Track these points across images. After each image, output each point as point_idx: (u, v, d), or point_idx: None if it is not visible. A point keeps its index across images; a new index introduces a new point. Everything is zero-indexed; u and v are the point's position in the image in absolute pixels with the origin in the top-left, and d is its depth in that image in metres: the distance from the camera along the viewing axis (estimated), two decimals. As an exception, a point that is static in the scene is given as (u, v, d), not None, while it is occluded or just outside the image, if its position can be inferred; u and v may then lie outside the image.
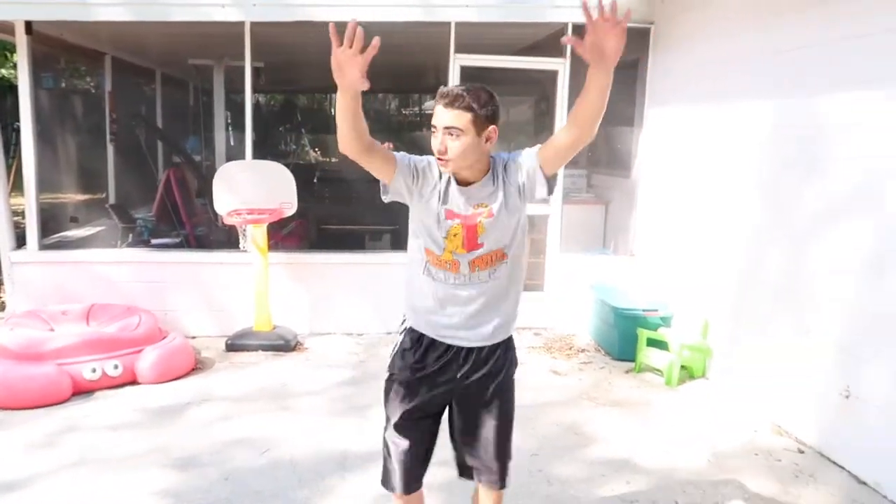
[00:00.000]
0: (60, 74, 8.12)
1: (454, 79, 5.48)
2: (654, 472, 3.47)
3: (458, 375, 2.27)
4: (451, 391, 2.30)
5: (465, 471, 2.46)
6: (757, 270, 4.26)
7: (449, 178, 2.19)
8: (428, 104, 12.68)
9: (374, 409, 3.98)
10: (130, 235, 6.36)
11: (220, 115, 7.40)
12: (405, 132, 13.64)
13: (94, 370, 4.26)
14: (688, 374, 4.77)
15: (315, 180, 9.61)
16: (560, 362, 5.07)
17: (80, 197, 7.64)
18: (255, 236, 5.07)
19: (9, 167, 5.39)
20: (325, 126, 14.38)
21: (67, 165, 7.16)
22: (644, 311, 5.05)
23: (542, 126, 6.80)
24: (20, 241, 5.34)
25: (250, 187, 5.12)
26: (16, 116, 5.26)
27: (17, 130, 5.35)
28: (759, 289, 4.23)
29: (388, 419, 2.36)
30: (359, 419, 3.96)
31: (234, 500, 3.11)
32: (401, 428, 2.32)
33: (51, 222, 5.93)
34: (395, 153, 2.18)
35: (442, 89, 2.11)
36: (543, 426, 3.97)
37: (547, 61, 5.64)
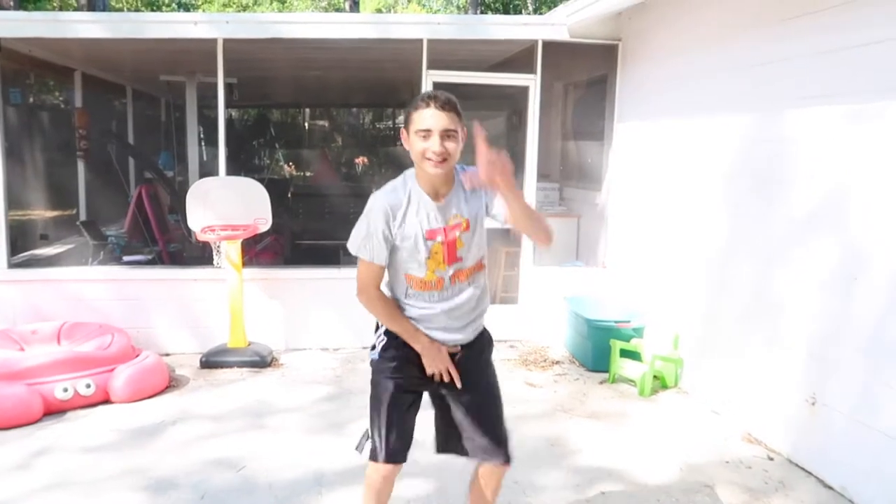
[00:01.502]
0: (29, 90, 8.02)
1: (427, 95, 5.52)
2: (627, 482, 3.52)
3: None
4: (435, 380, 2.41)
5: (446, 447, 2.55)
6: (726, 282, 4.36)
7: (418, 198, 2.25)
8: (402, 118, 12.76)
9: (351, 425, 3.99)
10: (102, 252, 6.30)
11: (192, 131, 7.36)
12: (379, 146, 13.67)
13: (65, 390, 4.21)
14: (660, 383, 4.85)
15: (289, 195, 9.60)
16: (535, 374, 5.12)
17: (50, 214, 7.54)
18: (229, 252, 5.06)
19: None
20: (298, 141, 14.37)
21: (36, 182, 7.08)
22: (617, 322, 5.13)
23: (514, 140, 6.88)
24: (-10, 260, 5.27)
25: (224, 203, 5.10)
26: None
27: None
28: (729, 300, 4.33)
29: (375, 406, 2.43)
30: (336, 436, 3.96)
31: (210, 520, 3.09)
32: (392, 404, 2.40)
33: (20, 240, 5.85)
34: (376, 262, 2.29)
35: (426, 94, 2.18)
36: (519, 438, 3.97)
37: (518, 77, 5.73)
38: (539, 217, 2.26)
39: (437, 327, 2.37)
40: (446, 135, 2.14)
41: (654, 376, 4.79)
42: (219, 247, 5.14)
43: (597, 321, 5.15)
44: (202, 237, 5.10)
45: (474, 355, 2.46)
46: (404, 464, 2.48)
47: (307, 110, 15.21)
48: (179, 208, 6.78)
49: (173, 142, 9.17)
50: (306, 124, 15.52)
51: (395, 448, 2.41)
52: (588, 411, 4.45)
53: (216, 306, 5.28)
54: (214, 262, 5.22)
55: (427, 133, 2.14)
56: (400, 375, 2.40)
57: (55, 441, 3.86)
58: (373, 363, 2.47)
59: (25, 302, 5.17)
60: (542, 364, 5.33)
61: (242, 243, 5.17)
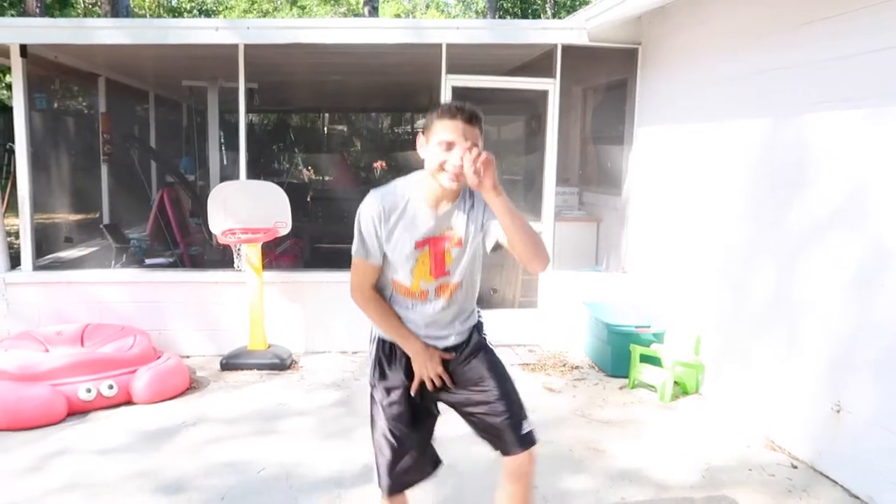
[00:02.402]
0: (54, 96, 8.15)
1: (446, 99, 5.54)
2: (648, 487, 3.49)
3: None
4: (436, 388, 2.35)
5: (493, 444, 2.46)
6: (746, 287, 4.31)
7: (416, 205, 2.20)
8: (421, 122, 12.77)
9: (369, 427, 3.99)
10: (124, 255, 6.37)
11: (214, 136, 7.44)
12: (397, 150, 13.71)
13: (88, 390, 4.26)
14: (681, 389, 4.80)
15: (308, 199, 9.65)
16: (554, 379, 5.09)
17: (74, 217, 7.64)
18: (249, 256, 5.09)
19: (2, 188, 5.39)
20: (317, 145, 14.46)
21: (61, 186, 7.18)
22: (637, 327, 5.09)
23: (533, 145, 6.88)
24: (14, 262, 5.35)
25: (244, 207, 5.14)
26: (9, 137, 5.28)
27: (11, 151, 5.36)
28: (749, 305, 4.28)
29: (374, 430, 2.41)
30: (355, 440, 3.96)
31: (229, 521, 3.11)
32: (391, 431, 2.36)
33: (45, 243, 5.94)
34: (371, 261, 2.25)
35: (453, 104, 2.11)
36: (539, 443, 3.98)
37: (537, 81, 5.72)
38: (534, 234, 2.12)
39: (422, 334, 2.34)
40: (469, 150, 2.06)
41: (675, 382, 4.74)
42: (239, 250, 5.18)
43: (617, 326, 5.11)
44: (223, 240, 5.14)
45: (466, 356, 2.40)
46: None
47: (326, 115, 15.31)
48: (200, 212, 6.84)
49: (194, 146, 9.26)
50: (325, 129, 15.62)
51: (396, 479, 2.37)
52: (607, 417, 4.42)
53: (236, 309, 5.32)
54: (235, 265, 5.25)
55: (450, 145, 2.07)
56: (395, 402, 2.35)
57: (75, 442, 3.90)
58: (371, 394, 2.43)
59: (49, 304, 5.24)
60: (561, 369, 5.30)
61: (262, 247, 5.21)
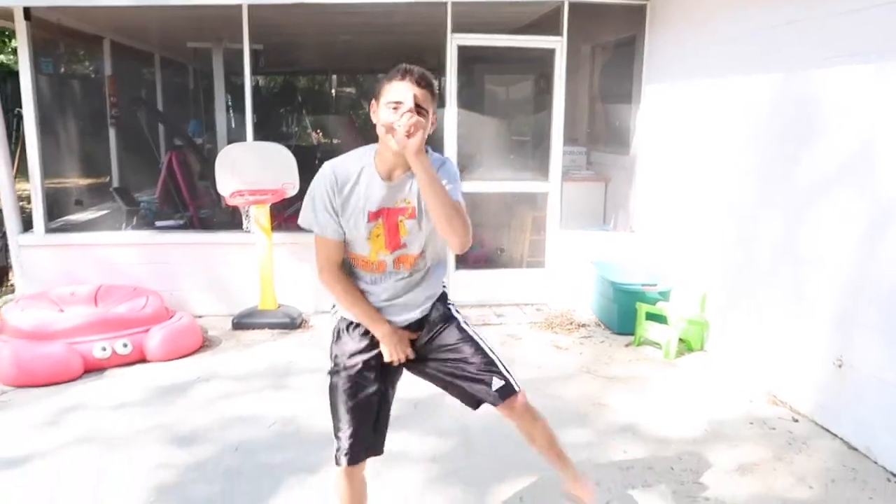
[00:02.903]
0: (60, 59, 8.13)
1: (452, 58, 5.50)
2: (650, 441, 3.56)
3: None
4: (399, 364, 2.35)
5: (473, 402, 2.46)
6: (752, 243, 4.32)
7: (370, 175, 2.14)
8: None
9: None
10: (135, 218, 6.43)
11: (220, 98, 7.43)
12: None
13: (104, 349, 4.35)
14: (686, 347, 4.85)
15: (317, 161, 9.65)
16: (561, 337, 5.15)
17: (84, 181, 7.69)
18: (258, 217, 5.13)
19: (12, 153, 5.43)
20: (325, 107, 14.37)
21: (70, 150, 7.21)
22: (643, 285, 5.13)
23: (541, 104, 6.82)
24: (27, 226, 5.42)
25: (252, 168, 5.17)
26: (17, 102, 5.30)
27: (20, 116, 5.38)
28: (755, 262, 4.30)
29: (333, 406, 2.35)
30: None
31: (244, 471, 3.21)
32: (347, 401, 2.31)
33: (55, 207, 6.00)
34: (328, 236, 2.19)
35: (402, 66, 2.06)
36: (543, 398, 4.02)
37: (544, 39, 5.65)
38: (454, 209, 2.05)
39: (385, 307, 2.30)
40: (417, 111, 2.00)
41: (680, 339, 4.79)
42: (248, 211, 5.22)
43: (623, 285, 5.14)
44: (231, 202, 5.18)
45: (434, 330, 2.39)
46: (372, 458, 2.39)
47: (334, 77, 15.18)
48: (209, 174, 6.87)
49: (202, 109, 9.25)
50: (333, 91, 15.51)
51: (355, 448, 2.30)
52: (613, 373, 4.48)
53: (247, 269, 5.39)
54: (244, 227, 5.30)
55: (397, 105, 2.01)
56: (355, 368, 2.32)
57: (91, 397, 4.01)
58: (330, 371, 2.39)
59: (62, 266, 5.32)
60: (568, 327, 5.35)
61: (272, 209, 5.25)
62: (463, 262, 5.98)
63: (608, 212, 6.55)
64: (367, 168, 2.14)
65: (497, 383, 2.36)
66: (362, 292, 2.29)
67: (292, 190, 5.25)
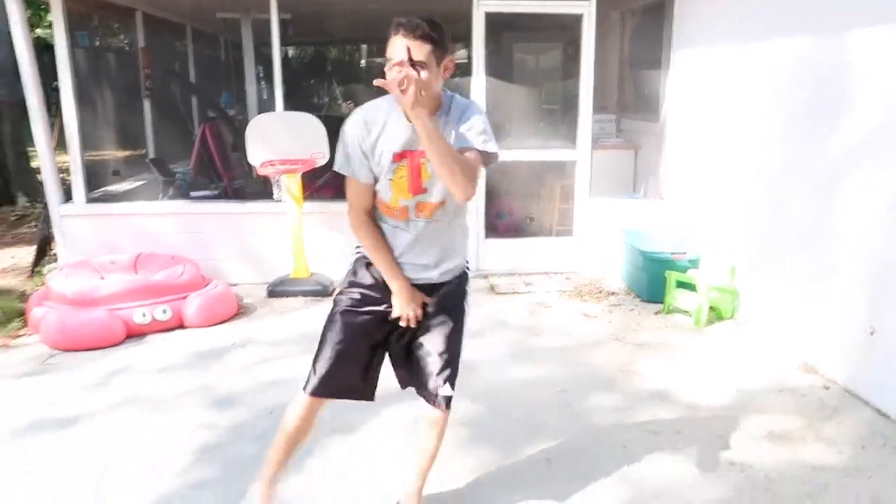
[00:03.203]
0: (94, 32, 8.24)
1: (479, 26, 5.46)
2: (679, 406, 3.59)
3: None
4: (397, 319, 2.33)
5: (406, 383, 2.52)
6: (784, 211, 4.27)
7: (397, 118, 2.15)
8: (458, 54, 12.53)
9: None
10: (170, 188, 6.56)
11: (250, 69, 7.48)
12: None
13: (143, 315, 4.50)
14: (716, 315, 4.84)
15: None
16: (590, 305, 5.17)
17: (120, 153, 7.84)
18: (289, 186, 5.21)
19: (52, 126, 5.56)
20: (355, 77, 14.35)
21: (106, 122, 7.34)
22: (672, 253, 5.11)
23: (570, 72, 6.74)
24: (67, 197, 5.57)
25: (282, 138, 5.23)
26: (53, 76, 5.41)
27: (56, 90, 5.50)
28: (786, 229, 4.25)
29: (325, 329, 2.36)
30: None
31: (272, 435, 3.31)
32: (337, 336, 2.33)
33: (94, 178, 6.13)
34: (359, 179, 2.23)
35: (398, 19, 2.02)
36: (572, 365, 4.10)
37: (571, 5, 5.57)
38: (455, 161, 2.03)
39: (404, 260, 2.31)
40: (412, 63, 1.97)
41: (710, 307, 4.77)
42: (278, 181, 5.30)
43: (652, 253, 5.13)
44: (262, 171, 5.26)
45: (444, 302, 2.38)
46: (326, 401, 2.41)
47: (364, 47, 15.13)
48: (241, 146, 6.96)
49: (232, 80, 9.32)
50: (363, 61, 15.47)
51: (324, 383, 2.32)
52: (642, 340, 4.50)
53: (279, 238, 5.48)
54: (275, 196, 5.38)
55: (392, 62, 2.01)
56: (356, 315, 2.34)
57: (133, 361, 4.16)
58: (335, 298, 2.40)
59: (101, 235, 5.47)
60: (597, 295, 5.37)
61: (303, 178, 5.32)
62: (492, 230, 6.01)
63: (638, 179, 6.51)
64: (394, 111, 2.15)
65: (448, 391, 2.38)
66: (390, 251, 2.31)
67: (322, 159, 5.30)
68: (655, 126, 6.00)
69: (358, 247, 2.41)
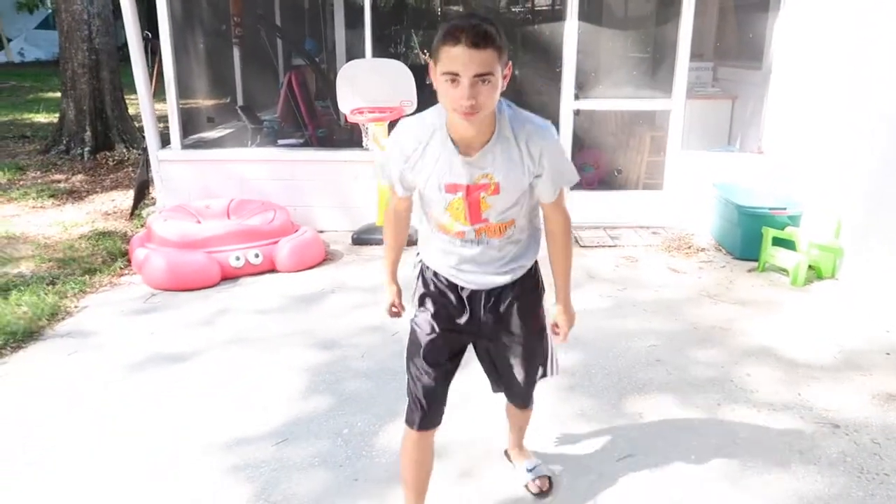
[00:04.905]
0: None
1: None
2: (775, 366, 3.48)
3: (481, 313, 2.12)
4: (476, 329, 2.15)
5: (496, 388, 2.45)
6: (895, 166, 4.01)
7: (442, 140, 1.87)
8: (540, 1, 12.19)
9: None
10: (258, 136, 6.70)
11: (339, 16, 7.47)
12: (517, 30, 13.26)
13: (237, 258, 4.66)
14: (815, 274, 4.63)
15: (427, 83, 9.61)
16: (679, 261, 5.04)
17: (210, 102, 8.03)
18: (376, 134, 5.23)
19: (150, 75, 5.72)
20: (434, 27, 14.17)
21: (197, 69, 7.53)
22: (771, 209, 4.89)
23: (664, 19, 6.44)
24: (164, 142, 5.77)
25: (372, 86, 5.23)
26: (144, 26, 5.54)
27: (148, 39, 5.64)
28: (903, 185, 3.99)
29: (410, 353, 2.18)
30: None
31: (371, 375, 3.41)
32: (428, 362, 2.12)
33: (189, 124, 6.30)
34: (393, 188, 2.08)
35: (458, 23, 1.69)
36: (661, 320, 4.03)
37: (675, -56, 5.29)
38: (570, 241, 2.21)
39: (464, 268, 2.08)
40: (479, 80, 1.68)
41: (810, 266, 4.57)
42: (367, 129, 5.32)
43: (749, 207, 4.92)
44: (352, 119, 5.29)
45: (519, 310, 2.15)
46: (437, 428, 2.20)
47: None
48: (329, 93, 7.02)
49: (318, 28, 9.34)
50: (441, 9, 15.25)
51: (429, 415, 2.12)
52: (735, 298, 4.36)
53: (365, 186, 5.54)
54: (364, 144, 5.42)
55: (455, 77, 1.69)
56: (439, 340, 2.12)
57: (232, 303, 4.33)
58: (412, 323, 2.20)
59: (196, 179, 5.66)
60: (686, 251, 5.22)
61: (390, 127, 5.32)
62: (577, 183, 5.87)
63: (734, 131, 6.22)
64: (439, 132, 1.88)
65: (531, 394, 2.39)
66: (449, 254, 2.08)
67: (410, 108, 5.28)
68: (757, 74, 5.69)
69: (418, 253, 2.23)
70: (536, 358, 2.27)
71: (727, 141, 6.15)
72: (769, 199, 5.04)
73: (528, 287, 2.17)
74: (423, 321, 2.14)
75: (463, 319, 2.12)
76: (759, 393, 3.22)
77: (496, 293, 2.12)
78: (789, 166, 5.22)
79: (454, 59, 1.67)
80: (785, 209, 4.89)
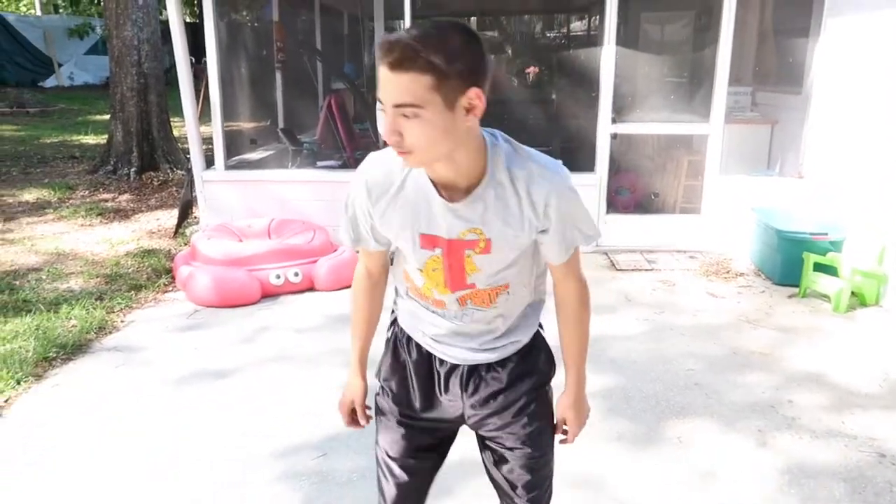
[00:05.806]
0: (233, 6, 8.65)
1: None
2: (818, 393, 3.42)
3: (461, 395, 1.63)
4: (458, 416, 1.67)
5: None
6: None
7: (418, 187, 1.44)
8: (574, 26, 12.29)
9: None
10: (298, 158, 6.84)
11: (377, 39, 7.61)
12: (552, 55, 13.36)
13: (278, 276, 4.75)
14: (858, 301, 4.55)
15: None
16: (717, 285, 4.99)
17: (252, 124, 8.24)
18: (415, 157, 5.30)
19: (197, 98, 5.91)
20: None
21: (242, 94, 7.74)
22: (812, 234, 4.83)
23: (701, 44, 6.45)
24: (209, 163, 5.94)
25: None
26: (192, 52, 5.75)
27: (193, 64, 5.83)
28: (950, 211, 3.93)
29: (378, 442, 1.73)
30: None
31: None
32: (395, 460, 1.69)
33: (232, 146, 6.48)
34: (362, 245, 1.62)
35: (383, 39, 1.25)
36: (700, 345, 4.00)
37: (714, -30, 5.32)
38: (587, 333, 1.63)
39: (444, 341, 1.62)
40: (399, 111, 1.26)
41: (853, 293, 4.50)
42: (406, 151, 5.40)
43: (789, 233, 4.87)
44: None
45: (509, 385, 1.62)
46: None
47: (475, 19, 15.11)
48: (368, 116, 7.15)
49: (358, 53, 9.55)
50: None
51: None
52: (775, 323, 4.31)
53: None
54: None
55: (381, 104, 1.29)
56: (409, 433, 1.68)
57: (273, 321, 4.41)
58: (377, 401, 1.77)
59: (239, 199, 5.80)
60: (724, 275, 5.18)
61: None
62: (613, 206, 5.89)
63: (773, 156, 6.18)
64: (414, 176, 1.44)
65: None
66: (409, 321, 1.67)
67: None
68: (797, 99, 5.66)
69: (393, 310, 1.76)
70: (538, 466, 1.67)
71: (766, 165, 6.11)
72: (810, 224, 4.99)
73: (528, 367, 1.64)
74: (385, 405, 1.72)
75: (439, 403, 1.67)
76: (802, 420, 3.17)
77: (480, 371, 1.62)
78: (830, 191, 5.16)
79: (380, 83, 1.27)
80: (826, 234, 4.82)
